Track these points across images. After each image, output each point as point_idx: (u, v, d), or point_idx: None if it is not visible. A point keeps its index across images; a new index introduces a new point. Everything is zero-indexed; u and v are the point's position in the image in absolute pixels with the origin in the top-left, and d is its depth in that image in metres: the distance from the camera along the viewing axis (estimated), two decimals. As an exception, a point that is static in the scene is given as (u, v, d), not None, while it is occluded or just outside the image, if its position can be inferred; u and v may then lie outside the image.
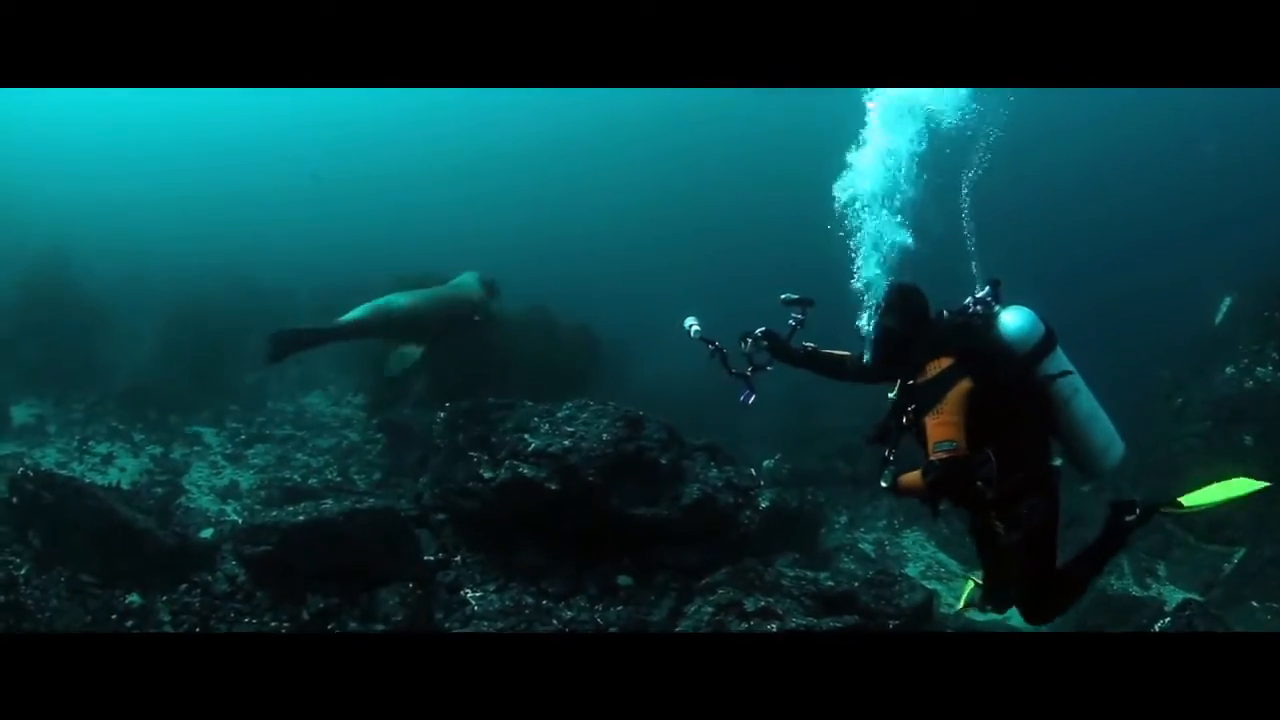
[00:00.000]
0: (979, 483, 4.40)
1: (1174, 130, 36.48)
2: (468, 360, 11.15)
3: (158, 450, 12.30)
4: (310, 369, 16.28)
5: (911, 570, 11.84)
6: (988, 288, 4.66)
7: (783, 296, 5.06)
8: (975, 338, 4.52)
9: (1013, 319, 4.50)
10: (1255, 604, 10.34)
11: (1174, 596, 11.09)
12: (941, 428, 4.26)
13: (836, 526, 13.16)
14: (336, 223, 32.62)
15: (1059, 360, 4.54)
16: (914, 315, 4.61)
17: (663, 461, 7.43)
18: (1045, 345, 4.52)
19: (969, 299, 4.66)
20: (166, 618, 6.52)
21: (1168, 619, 5.93)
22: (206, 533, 8.27)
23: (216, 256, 21.60)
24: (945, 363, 4.35)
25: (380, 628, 6.58)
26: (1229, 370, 14.64)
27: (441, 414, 8.25)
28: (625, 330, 16.20)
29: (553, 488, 7.01)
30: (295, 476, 11.90)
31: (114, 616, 6.38)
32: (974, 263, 4.85)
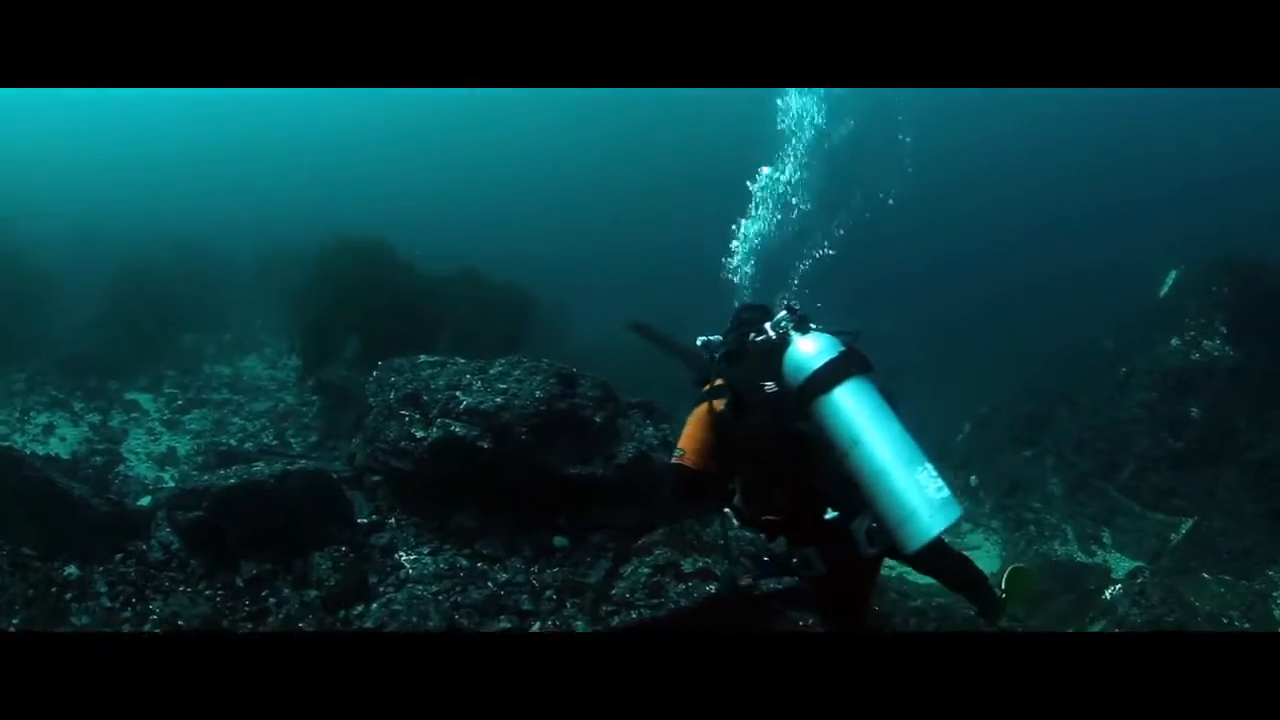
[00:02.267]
0: (728, 508, 4.53)
1: (1132, 113, 36.91)
2: (400, 320, 11.00)
3: (97, 419, 12.18)
4: (246, 332, 16.13)
5: None
6: (784, 313, 4.52)
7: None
8: (741, 363, 4.51)
9: (799, 347, 4.32)
10: (1206, 575, 10.30)
11: (1120, 564, 11.16)
12: (682, 437, 4.47)
13: None
14: (277, 186, 32.33)
15: (850, 401, 4.16)
16: (733, 332, 4.69)
17: (597, 420, 7.24)
18: (824, 380, 4.20)
19: (769, 324, 4.55)
20: (104, 589, 6.34)
21: (1118, 586, 5.85)
22: (144, 500, 8.12)
23: (159, 221, 21.44)
24: (717, 382, 4.42)
25: (313, 593, 6.41)
26: (1174, 342, 14.76)
27: (374, 373, 8.02)
28: (567, 292, 16.26)
29: (485, 446, 6.81)
30: (231, 441, 11.80)
31: (54, 589, 6.19)
32: (790, 292, 5.04)
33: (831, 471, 4.17)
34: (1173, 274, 16.60)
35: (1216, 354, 14.61)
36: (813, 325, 4.47)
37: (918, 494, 3.95)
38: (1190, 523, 11.91)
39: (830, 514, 4.20)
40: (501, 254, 16.85)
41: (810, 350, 4.29)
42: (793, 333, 4.42)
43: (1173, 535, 11.99)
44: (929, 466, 4.02)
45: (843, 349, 4.31)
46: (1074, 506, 13.41)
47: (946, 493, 3.99)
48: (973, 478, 15.06)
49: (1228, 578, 10.26)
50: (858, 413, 4.12)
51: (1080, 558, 11.83)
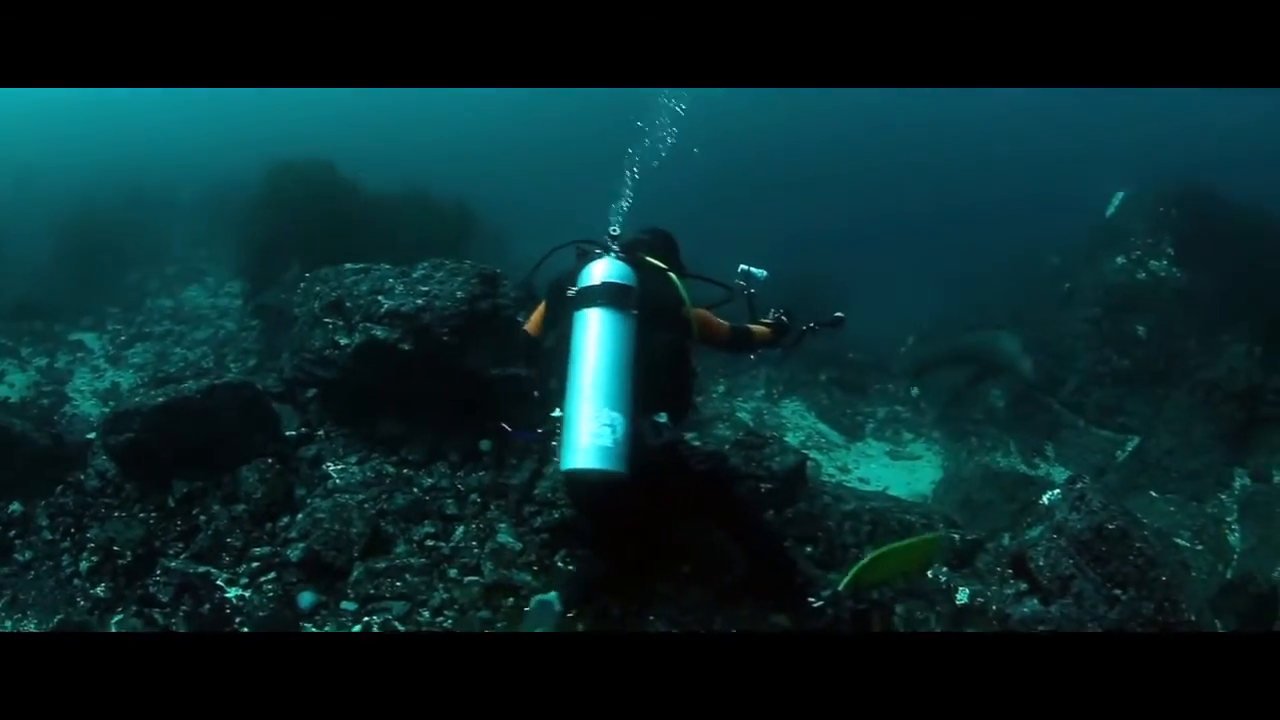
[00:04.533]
0: None
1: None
2: (341, 240, 10.87)
3: (43, 361, 12.16)
4: (189, 263, 16.01)
5: (791, 439, 11.92)
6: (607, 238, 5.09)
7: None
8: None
9: (590, 266, 4.83)
10: (1154, 494, 10.46)
11: (1063, 477, 11.24)
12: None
13: (714, 395, 13.26)
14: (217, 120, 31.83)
15: (591, 325, 4.59)
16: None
17: (520, 319, 7.17)
18: (584, 298, 4.70)
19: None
20: (45, 522, 6.37)
21: (1056, 491, 5.83)
22: (91, 436, 8.06)
23: (99, 159, 21.17)
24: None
25: (241, 508, 6.39)
26: (1120, 260, 14.84)
27: (301, 284, 7.90)
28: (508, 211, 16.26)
29: (406, 348, 6.70)
30: (173, 371, 11.71)
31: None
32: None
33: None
34: (1119, 195, 16.71)
35: (1163, 274, 14.73)
36: (606, 252, 4.91)
37: (585, 430, 4.30)
38: (1137, 440, 12.03)
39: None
40: (447, 175, 16.66)
41: (592, 270, 4.73)
42: (599, 253, 4.89)
43: (1119, 452, 12.12)
44: (603, 410, 4.32)
45: (618, 281, 4.65)
46: (1016, 420, 13.49)
47: (608, 444, 4.27)
48: (914, 389, 15.14)
49: (1176, 496, 10.37)
50: (583, 338, 4.53)
51: (1023, 470, 11.91)
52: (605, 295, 4.58)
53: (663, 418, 4.66)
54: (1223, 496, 10.24)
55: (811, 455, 11.80)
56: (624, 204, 5.40)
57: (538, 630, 4.87)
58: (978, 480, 10.85)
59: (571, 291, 4.75)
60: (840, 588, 5.25)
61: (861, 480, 11.73)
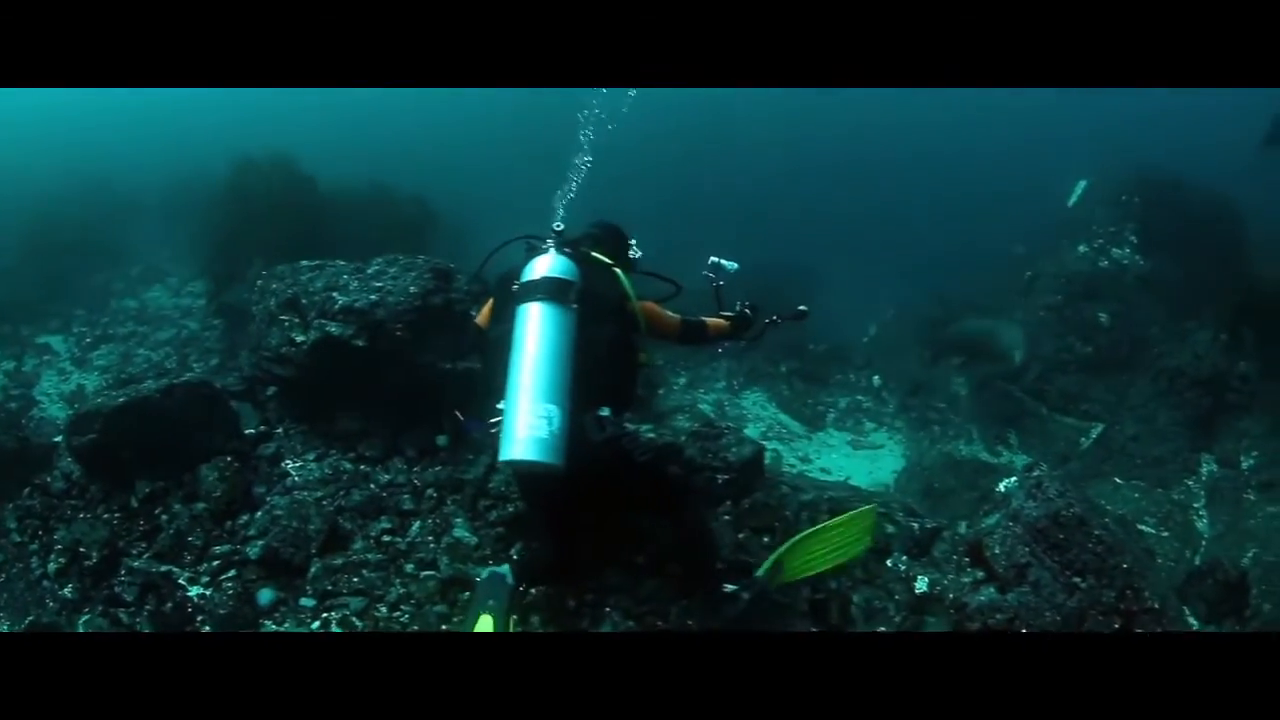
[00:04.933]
0: None
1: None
2: (302, 235, 10.87)
3: (10, 365, 12.17)
4: (152, 263, 15.97)
5: (752, 431, 11.98)
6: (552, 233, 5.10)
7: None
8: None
9: (534, 260, 4.91)
10: (1119, 480, 10.47)
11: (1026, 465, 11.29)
12: None
13: (675, 387, 13.29)
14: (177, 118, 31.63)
15: (531, 319, 4.69)
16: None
17: (474, 314, 7.20)
18: (525, 292, 4.78)
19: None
20: (13, 525, 6.42)
21: (1013, 479, 5.87)
22: (58, 440, 8.07)
23: (63, 160, 21.07)
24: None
25: (201, 506, 6.40)
26: (1081, 249, 14.93)
27: (258, 281, 7.89)
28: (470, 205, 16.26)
29: (360, 345, 6.72)
30: (136, 373, 11.72)
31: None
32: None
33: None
34: (1082, 184, 16.81)
35: (1126, 262, 14.84)
36: (550, 247, 4.97)
37: (522, 422, 4.40)
38: (1101, 427, 12.07)
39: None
40: (408, 170, 16.67)
41: (535, 265, 4.82)
42: (544, 247, 4.96)
43: (1083, 439, 12.13)
44: (539, 404, 4.41)
45: (559, 276, 4.74)
46: (979, 407, 13.53)
47: (543, 436, 4.36)
48: (876, 378, 15.19)
49: (1140, 482, 10.42)
50: (524, 331, 4.61)
51: (985, 458, 11.94)
52: (546, 290, 4.66)
53: (605, 411, 4.75)
54: (1189, 483, 10.18)
55: (773, 446, 11.87)
56: (567, 198, 5.47)
57: (490, 603, 4.89)
58: (939, 469, 10.92)
59: (515, 286, 4.83)
60: (759, 573, 5.27)
61: (823, 470, 11.73)
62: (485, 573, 5.25)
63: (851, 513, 5.60)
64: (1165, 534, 9.08)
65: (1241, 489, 9.56)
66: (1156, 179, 15.83)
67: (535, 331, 4.57)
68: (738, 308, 5.70)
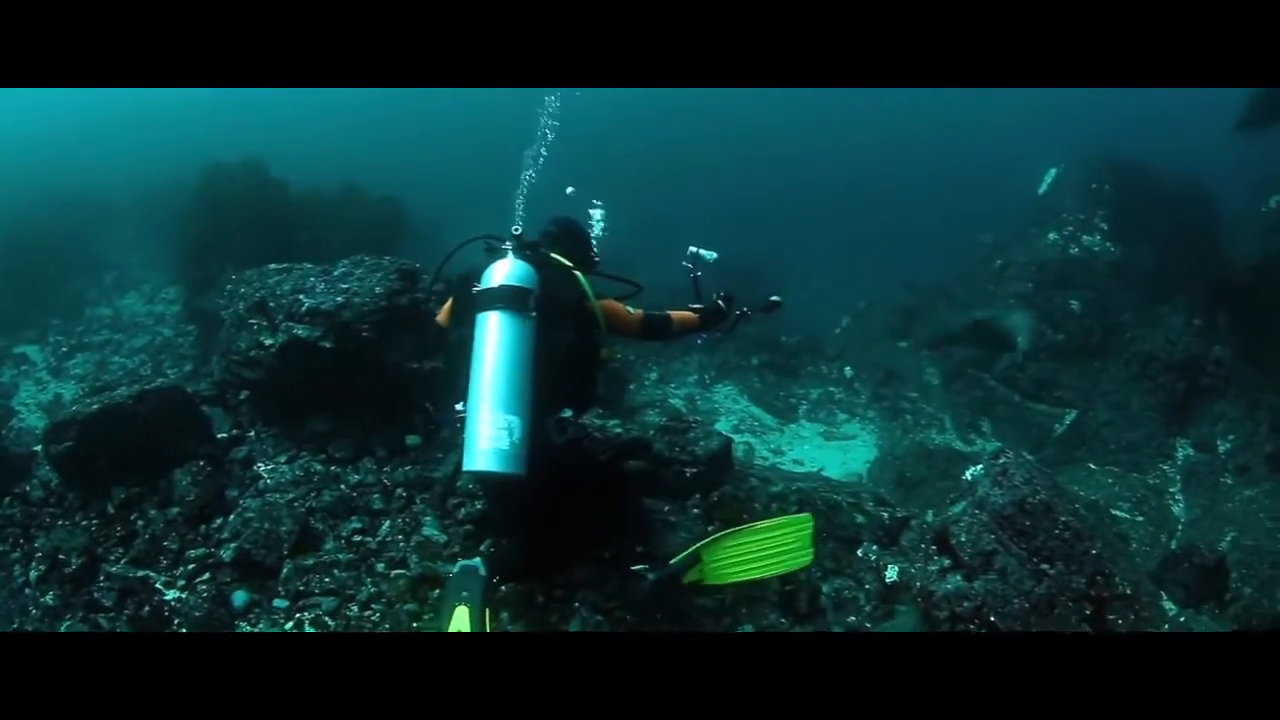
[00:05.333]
0: None
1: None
2: (273, 239, 10.91)
3: None
4: (125, 270, 16.02)
5: (724, 424, 12.04)
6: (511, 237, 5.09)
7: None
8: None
9: (493, 266, 4.90)
10: (1093, 466, 10.61)
11: (998, 452, 11.37)
12: None
13: (647, 383, 13.35)
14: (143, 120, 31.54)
15: (490, 328, 4.72)
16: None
17: (435, 313, 7.25)
18: (484, 300, 4.80)
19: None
20: None
21: (979, 466, 5.90)
22: (37, 449, 8.11)
23: (32, 169, 21.05)
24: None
25: (175, 510, 6.46)
26: (1052, 237, 15.01)
27: (227, 286, 7.92)
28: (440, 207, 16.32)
29: (327, 346, 6.76)
30: (111, 380, 11.75)
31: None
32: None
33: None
34: (1052, 172, 16.92)
35: (1096, 249, 14.94)
36: (509, 250, 4.98)
37: (483, 433, 4.47)
38: (1074, 414, 12.14)
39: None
40: (380, 169, 16.72)
41: (494, 271, 4.83)
42: (507, 246, 4.99)
43: (1057, 426, 12.20)
44: (499, 414, 4.48)
45: (516, 284, 4.76)
46: (951, 395, 13.60)
47: (504, 447, 4.44)
48: (848, 369, 15.28)
49: (1114, 468, 10.49)
50: (484, 339, 4.66)
51: (959, 446, 12.00)
52: (504, 299, 4.71)
53: (567, 413, 4.85)
54: (1165, 467, 10.32)
55: (745, 439, 11.94)
56: (523, 194, 5.54)
57: (464, 594, 4.91)
58: (911, 458, 10.95)
59: (475, 290, 4.88)
60: (673, 561, 5.31)
61: (796, 462, 11.83)
62: (458, 566, 5.29)
63: (784, 518, 5.58)
64: (1140, 519, 9.13)
65: (1218, 473, 9.63)
66: (1127, 165, 15.96)
67: (494, 342, 4.63)
68: (713, 299, 5.77)
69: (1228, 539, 7.71)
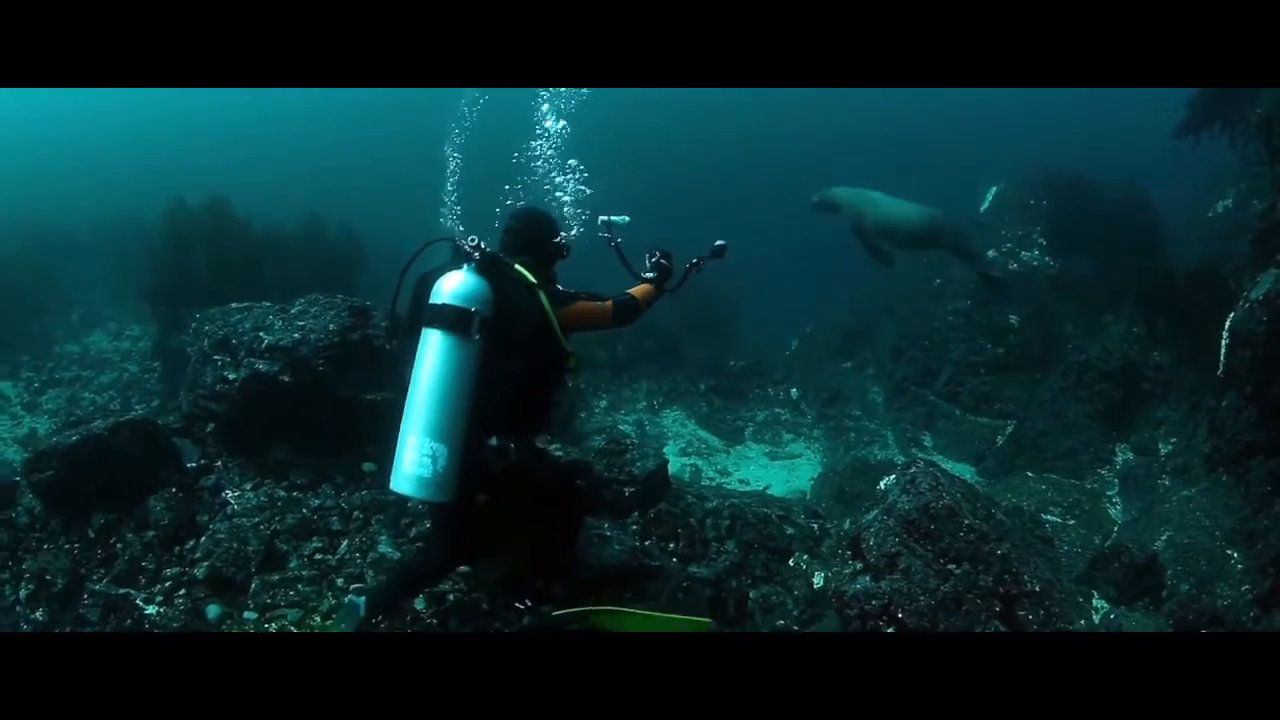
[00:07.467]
0: None
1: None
2: (233, 279, 11.26)
3: None
4: (89, 307, 16.26)
5: (671, 448, 12.31)
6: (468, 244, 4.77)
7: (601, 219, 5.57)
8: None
9: (443, 278, 4.68)
10: (1030, 474, 10.91)
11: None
12: None
13: (597, 410, 13.60)
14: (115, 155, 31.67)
15: (427, 345, 4.61)
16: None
17: (389, 349, 7.64)
18: (428, 315, 4.68)
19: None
20: None
21: (892, 476, 6.29)
22: (18, 480, 8.37)
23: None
24: None
25: (151, 534, 6.84)
26: (991, 254, 15.25)
27: (192, 324, 8.34)
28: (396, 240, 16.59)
29: (286, 380, 7.23)
30: (83, 415, 12.08)
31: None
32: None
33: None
34: (993, 190, 17.20)
35: (1035, 264, 15.26)
36: (473, 261, 4.70)
37: (409, 458, 4.48)
38: (1013, 424, 12.45)
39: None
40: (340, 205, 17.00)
41: (443, 284, 4.64)
42: (471, 248, 4.71)
43: (999, 437, 12.44)
44: (426, 441, 4.46)
45: (461, 305, 4.56)
46: (894, 413, 13.87)
47: (426, 475, 4.45)
48: (794, 390, 15.58)
49: (1052, 475, 10.74)
50: (424, 358, 4.59)
51: (899, 461, 12.18)
52: (447, 320, 4.52)
53: (510, 441, 4.74)
54: (1103, 472, 10.60)
55: (692, 461, 12.24)
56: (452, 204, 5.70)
57: (342, 628, 5.13)
58: (850, 473, 11.20)
59: (425, 299, 4.74)
60: (555, 615, 5.33)
61: (742, 481, 12.05)
62: (346, 600, 5.42)
63: (685, 618, 5.61)
64: (1071, 522, 9.36)
65: (1156, 475, 9.71)
66: (1065, 179, 16.36)
67: (431, 364, 4.50)
68: (650, 261, 5.62)
69: (1163, 538, 7.74)
